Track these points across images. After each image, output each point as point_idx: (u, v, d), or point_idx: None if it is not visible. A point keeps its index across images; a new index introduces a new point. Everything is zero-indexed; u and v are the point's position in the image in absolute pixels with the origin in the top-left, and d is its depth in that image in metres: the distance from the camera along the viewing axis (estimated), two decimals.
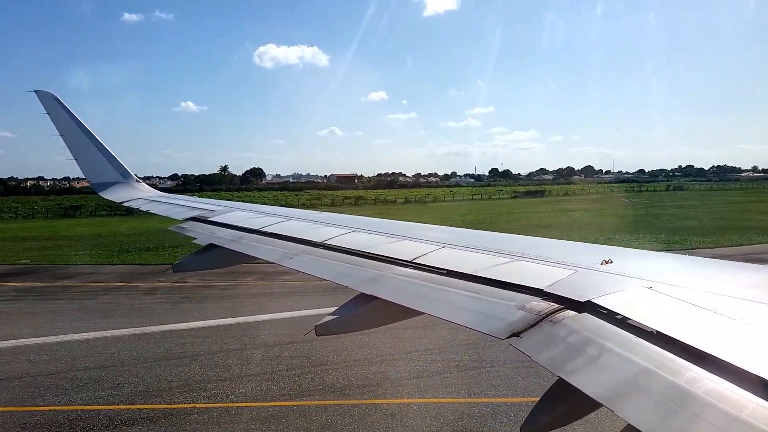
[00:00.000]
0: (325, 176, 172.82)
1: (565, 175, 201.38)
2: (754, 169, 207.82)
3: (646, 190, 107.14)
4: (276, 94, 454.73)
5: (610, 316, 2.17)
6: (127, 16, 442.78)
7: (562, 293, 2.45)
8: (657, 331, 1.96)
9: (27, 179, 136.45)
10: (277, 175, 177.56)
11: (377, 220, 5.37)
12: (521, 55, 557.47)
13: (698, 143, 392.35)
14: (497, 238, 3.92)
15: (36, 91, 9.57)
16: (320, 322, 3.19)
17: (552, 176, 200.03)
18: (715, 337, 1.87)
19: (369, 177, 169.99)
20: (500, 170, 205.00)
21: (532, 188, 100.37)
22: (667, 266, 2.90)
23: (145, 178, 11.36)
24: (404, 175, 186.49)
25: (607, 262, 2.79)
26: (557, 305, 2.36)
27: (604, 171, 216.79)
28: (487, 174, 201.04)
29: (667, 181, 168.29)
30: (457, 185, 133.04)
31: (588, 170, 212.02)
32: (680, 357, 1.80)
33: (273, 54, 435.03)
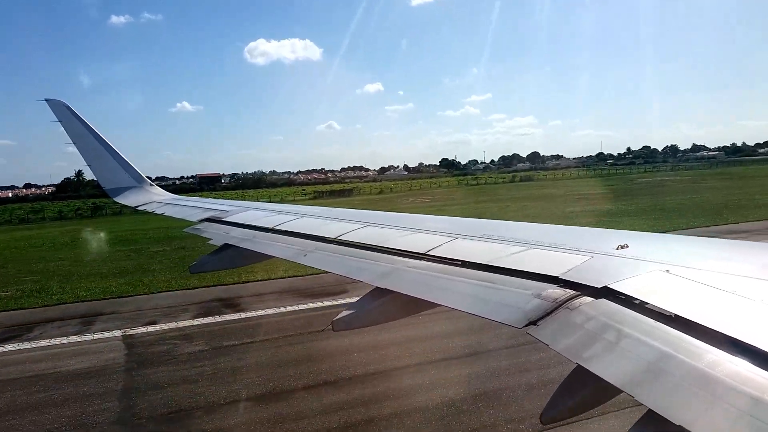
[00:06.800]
0: (192, 177, 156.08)
1: (508, 162, 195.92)
2: (728, 146, 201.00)
3: (521, 180, 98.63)
4: (271, 90, 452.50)
5: (628, 301, 2.15)
6: (114, 18, 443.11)
7: (579, 280, 2.44)
8: (675, 314, 1.94)
9: None
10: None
11: (390, 214, 5.38)
12: (514, 41, 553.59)
13: (695, 121, 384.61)
14: (510, 227, 3.90)
15: (47, 100, 9.69)
16: (337, 317, 3.21)
17: (490, 164, 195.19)
18: (735, 319, 1.84)
19: (242, 175, 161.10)
20: (481, 159, 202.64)
21: (338, 188, 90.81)
22: (683, 249, 2.86)
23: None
24: (366, 168, 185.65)
25: (622, 247, 2.77)
26: (574, 292, 2.34)
27: (552, 155, 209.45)
28: (437, 164, 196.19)
29: (612, 164, 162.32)
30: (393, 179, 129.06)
31: (534, 157, 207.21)
32: (700, 340, 1.78)
33: (264, 49, 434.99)
